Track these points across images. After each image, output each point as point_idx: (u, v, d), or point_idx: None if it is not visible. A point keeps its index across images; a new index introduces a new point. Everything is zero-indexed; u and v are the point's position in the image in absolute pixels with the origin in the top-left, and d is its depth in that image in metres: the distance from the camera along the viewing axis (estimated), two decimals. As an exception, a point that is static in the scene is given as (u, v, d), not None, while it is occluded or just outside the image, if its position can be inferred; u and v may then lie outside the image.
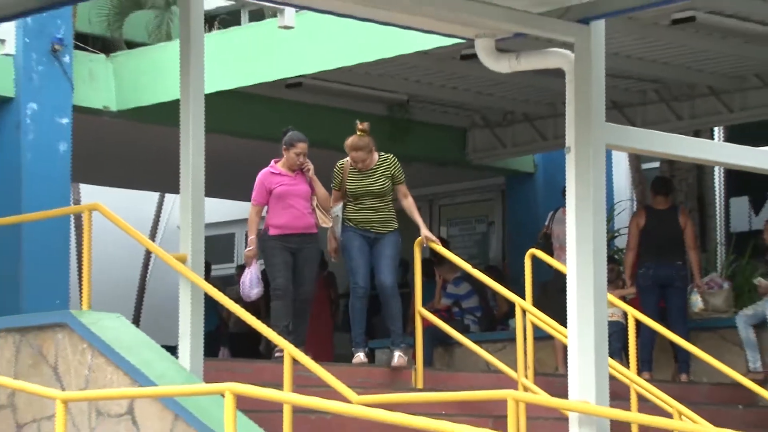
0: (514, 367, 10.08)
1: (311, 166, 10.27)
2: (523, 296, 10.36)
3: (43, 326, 9.04)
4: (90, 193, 17.30)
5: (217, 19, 15.92)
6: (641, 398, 9.64)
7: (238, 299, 10.35)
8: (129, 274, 18.67)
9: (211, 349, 11.76)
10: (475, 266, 11.29)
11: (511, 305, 11.04)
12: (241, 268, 16.81)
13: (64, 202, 12.66)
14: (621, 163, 15.32)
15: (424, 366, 10.40)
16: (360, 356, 10.15)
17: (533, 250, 10.97)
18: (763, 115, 13.22)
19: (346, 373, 9.29)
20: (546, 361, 11.88)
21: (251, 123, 13.82)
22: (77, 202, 16.60)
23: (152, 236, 18.47)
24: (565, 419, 7.66)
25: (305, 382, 8.87)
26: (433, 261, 13.34)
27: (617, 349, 11.17)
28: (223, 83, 12.47)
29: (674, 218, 12.19)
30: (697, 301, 12.20)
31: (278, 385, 8.17)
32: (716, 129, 14.30)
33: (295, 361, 8.31)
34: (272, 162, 10.33)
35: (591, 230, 7.24)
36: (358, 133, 10.20)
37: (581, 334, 7.23)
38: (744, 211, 15.02)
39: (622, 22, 10.44)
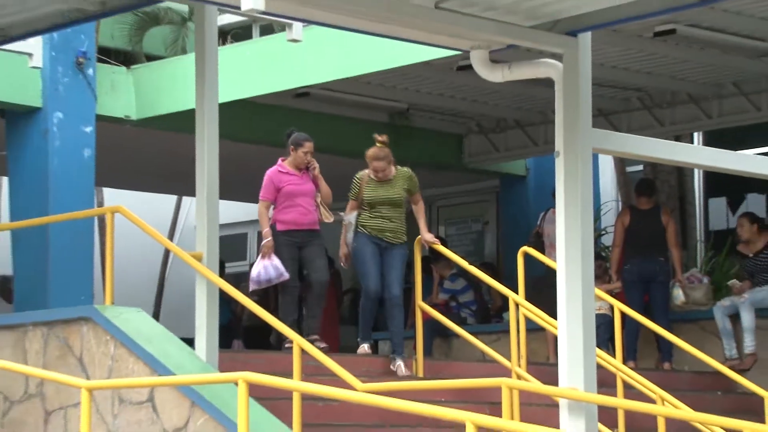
0: (508, 357, 10.08)
1: (317, 165, 10.23)
2: (516, 291, 10.36)
3: (69, 320, 9.05)
4: (112, 196, 17.30)
5: (229, 34, 15.89)
6: (627, 385, 9.64)
7: (250, 293, 10.32)
8: (149, 272, 18.66)
9: (224, 341, 11.73)
10: (471, 263, 11.29)
11: (505, 299, 11.03)
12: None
13: (89, 205, 12.66)
14: (607, 166, 15.31)
15: (424, 356, 10.41)
16: (365, 347, 10.15)
17: (525, 248, 10.98)
18: (739, 121, 13.21)
19: (351, 362, 9.29)
20: (538, 351, 11.88)
21: (262, 130, 13.82)
22: (100, 204, 16.59)
23: (170, 236, 18.46)
24: (556, 405, 7.65)
25: (313, 372, 8.88)
26: (430, 258, 13.33)
27: (604, 339, 11.17)
28: (235, 93, 12.46)
29: (657, 217, 12.19)
30: (678, 295, 12.20)
31: (288, 375, 8.17)
32: (695, 134, 14.29)
33: (303, 352, 8.32)
34: (279, 161, 10.29)
35: (579, 229, 7.24)
36: (378, 144, 10.14)
37: (570, 325, 7.23)
38: (722, 210, 15.01)
39: (608, 35, 10.44)
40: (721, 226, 14.89)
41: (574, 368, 7.21)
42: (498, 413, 8.14)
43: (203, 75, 9.26)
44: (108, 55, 14.20)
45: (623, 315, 10.68)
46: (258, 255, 10.14)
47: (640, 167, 14.76)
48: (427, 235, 10.34)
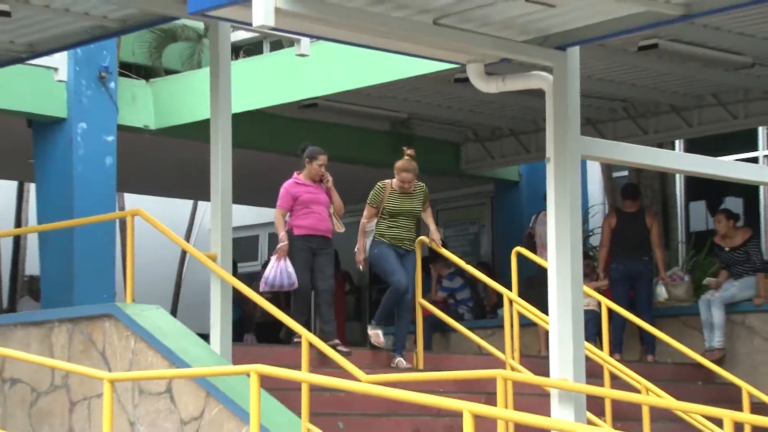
0: (503, 350, 10.07)
1: (330, 178, 10.18)
2: (510, 288, 10.35)
3: (93, 317, 9.04)
4: (133, 200, 17.31)
5: (242, 49, 15.92)
6: (613, 376, 9.63)
7: (272, 299, 10.29)
8: (167, 271, 18.68)
9: (236, 336, 11.72)
10: (468, 263, 11.29)
11: (500, 296, 11.04)
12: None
13: (110, 209, 12.67)
14: (594, 172, 15.30)
15: (424, 349, 10.41)
16: (378, 334, 9.99)
17: (518, 248, 10.96)
18: (718, 129, 13.20)
19: (356, 356, 9.29)
20: (530, 344, 11.87)
21: (272, 139, 13.83)
22: (121, 208, 16.60)
23: (187, 238, 18.47)
24: (547, 395, 7.65)
25: (320, 364, 8.87)
26: (429, 258, 13.32)
27: (592, 334, 11.15)
28: (247, 104, 12.46)
29: (642, 220, 12.19)
30: (661, 292, 12.19)
31: (297, 367, 8.17)
32: (677, 142, 14.27)
33: (311, 345, 8.32)
34: (295, 174, 10.20)
35: (569, 230, 7.23)
36: (406, 157, 10.09)
37: (561, 321, 7.23)
38: (702, 213, 15.00)
39: (595, 49, 10.42)
40: (702, 227, 14.88)
41: (564, 360, 7.21)
42: (493, 402, 8.14)
43: (217, 87, 9.27)
44: (129, 69, 14.22)
45: (610, 311, 10.67)
46: (272, 257, 10.06)
47: (626, 173, 14.75)
48: (436, 234, 10.32)
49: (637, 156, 7.99)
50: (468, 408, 6.16)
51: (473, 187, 16.12)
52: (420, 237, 10.38)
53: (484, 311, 13.90)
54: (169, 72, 14.92)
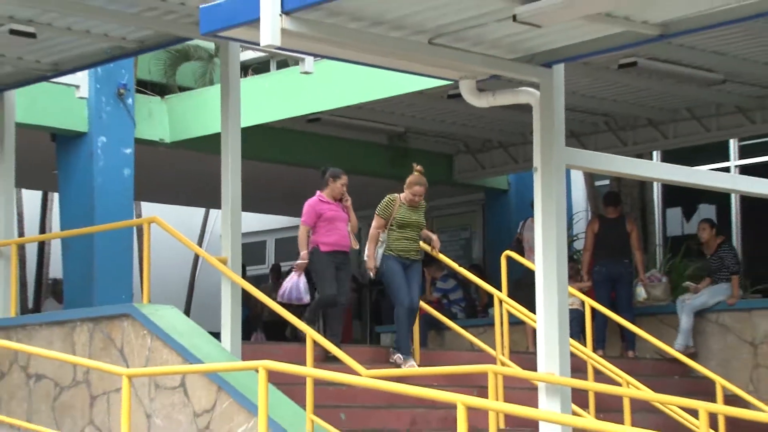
0: (493, 347, 10.06)
1: (349, 198, 10.03)
2: (500, 289, 10.34)
3: (112, 316, 9.02)
4: (149, 208, 17.30)
5: (250, 68, 15.91)
6: (596, 371, 9.61)
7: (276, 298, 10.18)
8: (181, 274, 18.67)
9: (245, 334, 11.72)
10: (460, 265, 11.27)
11: (490, 297, 11.02)
12: (275, 270, 16.85)
13: (128, 216, 12.66)
14: (578, 181, 15.28)
15: (420, 346, 10.37)
16: (412, 363, 9.60)
17: (508, 252, 10.95)
18: (692, 141, 13.20)
19: (358, 352, 9.26)
20: (519, 341, 11.85)
21: (279, 151, 13.83)
22: (138, 216, 16.59)
23: (200, 243, 18.46)
24: (535, 388, 7.63)
25: (324, 360, 8.85)
26: (424, 262, 13.28)
27: (576, 331, 11.11)
28: (256, 119, 12.47)
29: (622, 225, 12.17)
30: (641, 292, 12.17)
31: (302, 363, 8.15)
32: (655, 153, 14.27)
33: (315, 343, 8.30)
34: (318, 193, 9.98)
35: (555, 235, 7.22)
36: (416, 172, 10.01)
37: (547, 319, 7.21)
38: (678, 219, 14.99)
39: (578, 66, 10.43)
40: (678, 232, 14.88)
41: (550, 356, 7.20)
42: (485, 395, 8.13)
43: (227, 103, 9.27)
44: (145, 86, 14.22)
45: (593, 310, 10.65)
46: (293, 271, 9.85)
47: (607, 181, 14.74)
48: (437, 242, 10.17)
49: (617, 166, 7.98)
50: (461, 400, 6.15)
51: (465, 195, 16.11)
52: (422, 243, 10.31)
53: (476, 310, 13.88)
54: (182, 89, 14.92)
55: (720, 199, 14.12)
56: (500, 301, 10.18)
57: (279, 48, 6.31)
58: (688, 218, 14.87)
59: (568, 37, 7.04)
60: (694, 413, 8.51)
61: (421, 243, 10.14)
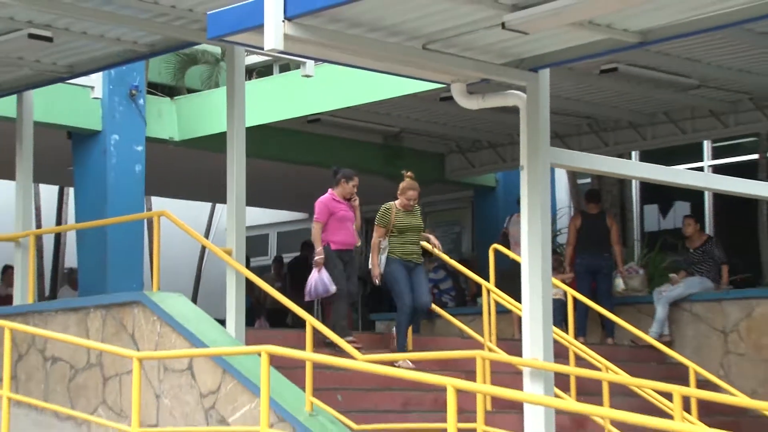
0: (482, 334, 10.06)
1: (357, 198, 9.90)
2: (488, 280, 10.34)
3: (123, 303, 9.02)
4: (159, 203, 17.27)
5: (254, 71, 15.89)
6: (577, 357, 9.61)
7: (282, 289, 10.03)
8: (188, 264, 18.64)
9: (249, 321, 11.72)
10: (451, 258, 11.27)
11: (479, 287, 11.01)
12: (278, 261, 16.84)
13: (139, 210, 12.65)
14: (561, 179, 15.30)
15: (412, 333, 10.36)
16: (409, 362, 9.32)
17: (495, 246, 10.95)
18: (669, 143, 13.22)
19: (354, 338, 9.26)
20: (505, 329, 11.85)
21: (281, 150, 13.81)
22: (149, 209, 16.54)
23: (206, 235, 18.44)
24: (520, 373, 7.64)
25: (322, 345, 8.85)
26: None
27: (559, 320, 11.08)
28: (259, 119, 12.45)
29: (603, 221, 12.17)
30: (619, 283, 12.18)
31: (301, 348, 8.15)
32: (633, 153, 14.29)
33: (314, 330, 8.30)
34: (329, 191, 9.88)
35: (539, 230, 7.22)
36: (407, 178, 9.87)
37: (532, 308, 7.21)
38: (655, 215, 15.01)
39: (563, 71, 10.43)
40: (654, 228, 14.90)
41: (535, 343, 7.20)
42: (473, 379, 8.14)
43: (233, 104, 9.25)
44: (156, 88, 14.20)
45: (575, 300, 10.66)
46: (314, 269, 9.66)
47: (589, 179, 14.75)
48: (436, 241, 10.08)
49: (599, 165, 7.98)
50: (451, 383, 6.15)
51: (456, 192, 16.11)
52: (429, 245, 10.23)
53: (465, 300, 13.89)
54: (190, 91, 14.90)
55: (694, 196, 14.14)
56: (488, 291, 10.18)
57: (282, 52, 6.30)
58: (664, 215, 14.90)
59: (554, 44, 7.04)
60: (668, 396, 8.52)
61: (422, 243, 10.07)
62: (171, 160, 14.06)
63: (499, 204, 15.42)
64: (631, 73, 10.91)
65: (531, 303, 7.19)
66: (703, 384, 9.80)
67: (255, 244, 18.04)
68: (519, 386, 7.56)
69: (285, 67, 15.16)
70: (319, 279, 9.42)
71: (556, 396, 8.24)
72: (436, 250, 10.18)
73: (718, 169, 14.03)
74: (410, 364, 9.25)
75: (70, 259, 16.28)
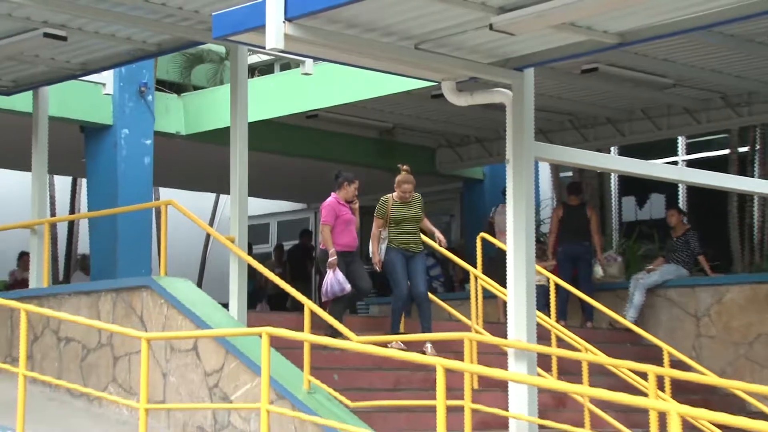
0: (469, 317, 10.07)
1: (358, 201, 9.75)
2: (475, 267, 10.34)
3: (132, 287, 9.01)
4: (166, 193, 17.25)
5: (257, 69, 15.87)
6: (559, 339, 9.63)
7: (282, 275, 9.93)
8: (194, 251, 18.62)
9: (250, 305, 11.73)
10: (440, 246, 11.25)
11: (466, 273, 11.02)
12: (278, 249, 16.83)
13: (148, 200, 12.63)
14: (545, 172, 15.30)
15: (404, 317, 10.37)
16: (400, 343, 9.26)
17: (483, 234, 10.95)
18: (646, 138, 13.21)
19: (349, 321, 9.27)
20: (491, 313, 11.87)
21: (281, 143, 13.79)
22: (157, 199, 16.53)
23: (211, 224, 18.41)
24: (505, 353, 7.64)
25: (319, 327, 8.85)
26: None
27: (542, 304, 11.09)
28: (261, 115, 12.43)
29: (583, 211, 12.18)
30: (598, 270, 12.20)
31: (300, 329, 8.15)
32: (612, 148, 14.29)
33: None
34: (333, 195, 9.67)
35: (524, 220, 7.22)
36: (403, 172, 9.78)
37: (517, 293, 7.22)
38: (632, 206, 15.02)
39: (546, 71, 10.42)
40: (631, 218, 14.91)
41: (519, 325, 7.20)
42: (461, 359, 8.15)
43: (236, 101, 9.23)
44: (163, 85, 14.17)
45: (556, 285, 10.67)
46: (328, 270, 9.35)
47: (570, 173, 14.76)
48: (442, 237, 9.96)
49: (580, 159, 7.97)
50: (440, 363, 6.15)
51: (446, 184, 16.11)
52: (427, 238, 10.17)
53: (454, 286, 13.89)
54: (196, 88, 14.87)
55: (669, 189, 14.16)
56: (475, 278, 10.19)
57: (282, 51, 6.29)
58: (641, 206, 14.91)
59: (538, 45, 7.03)
60: (644, 376, 8.54)
61: (423, 237, 9.99)
62: (178, 153, 14.03)
63: (486, 195, 15.42)
64: (610, 73, 10.91)
65: (516, 288, 7.19)
66: (676, 364, 9.82)
67: (257, 232, 18.01)
68: (504, 366, 7.57)
69: (285, 66, 15.14)
70: (334, 279, 9.27)
71: (539, 375, 8.25)
72: (441, 248, 10.11)
73: (691, 164, 14.04)
74: (402, 345, 9.25)
75: (83, 246, 16.24)
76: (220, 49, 14.84)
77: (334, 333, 8.37)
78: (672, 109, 12.68)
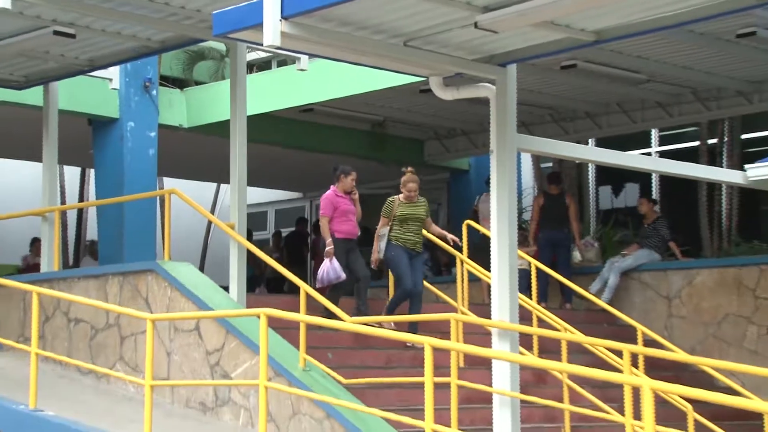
0: (455, 299, 10.08)
1: (357, 192, 9.68)
2: (461, 252, 10.34)
3: (138, 271, 8.99)
4: (170, 182, 17.20)
5: (255, 66, 15.82)
6: (539, 319, 9.65)
7: (279, 259, 9.93)
8: (196, 237, 18.60)
9: (250, 288, 11.72)
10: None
11: (453, 258, 11.02)
12: (276, 235, 16.82)
13: (152, 189, 12.60)
14: (526, 162, 15.30)
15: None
16: (392, 324, 9.27)
17: (468, 221, 10.95)
18: (621, 131, 13.21)
19: (343, 303, 9.26)
20: (476, 295, 11.87)
21: (278, 136, 13.76)
22: (161, 188, 16.49)
23: (212, 211, 18.37)
24: (489, 333, 7.65)
25: (314, 309, 8.85)
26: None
27: (524, 287, 11.10)
28: (259, 108, 12.40)
29: (563, 200, 12.19)
30: (577, 255, 12.20)
31: (296, 311, 8.15)
32: (590, 140, 14.30)
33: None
34: (332, 188, 9.61)
35: (507, 207, 7.21)
36: (408, 173, 9.63)
37: (500, 277, 7.22)
38: (608, 195, 15.03)
39: (528, 67, 10.41)
40: (608, 206, 14.92)
41: (502, 307, 7.20)
42: (447, 338, 8.15)
43: (236, 95, 9.21)
44: (167, 80, 14.12)
45: (537, 269, 10.68)
46: (325, 258, 9.35)
47: (551, 163, 14.76)
48: (450, 236, 9.90)
49: (560, 150, 7.98)
50: (429, 342, 6.16)
51: (433, 174, 16.09)
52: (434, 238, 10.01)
53: (441, 269, 13.89)
54: (198, 83, 14.82)
55: (643, 178, 14.17)
56: (461, 262, 10.19)
57: (279, 48, 6.26)
58: (616, 194, 14.93)
59: (520, 42, 7.01)
60: (618, 354, 8.58)
61: (428, 235, 9.91)
62: (181, 144, 14.00)
63: (471, 185, 15.41)
64: (588, 69, 10.90)
65: (499, 272, 7.19)
66: (649, 343, 9.85)
67: (255, 220, 17.98)
68: (488, 345, 7.58)
69: (282, 63, 15.09)
70: (330, 267, 9.23)
71: (521, 353, 8.27)
72: (449, 246, 10.03)
73: (664, 155, 14.05)
74: (393, 325, 9.25)
75: (91, 232, 16.20)
76: (221, 46, 14.79)
77: (329, 315, 8.35)
78: (645, 104, 12.68)
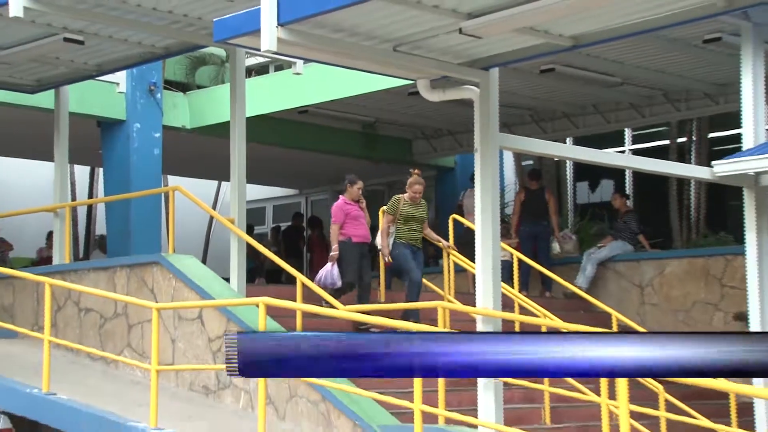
0: (443, 289, 10.07)
1: (364, 200, 9.62)
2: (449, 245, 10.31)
3: (144, 263, 8.97)
4: (173, 180, 17.15)
5: (253, 70, 15.76)
6: (521, 307, 9.66)
7: (277, 252, 9.91)
8: (199, 231, 18.56)
9: (249, 279, 11.69)
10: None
11: (440, 250, 11.02)
12: (275, 229, 16.79)
13: (157, 186, 12.57)
14: (508, 160, 15.30)
15: (385, 289, 10.37)
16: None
17: (454, 216, 10.94)
18: (596, 131, 13.23)
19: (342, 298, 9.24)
20: (462, 285, 11.87)
21: (275, 136, 13.74)
22: (165, 186, 16.45)
23: (213, 207, 18.33)
24: (474, 320, 7.66)
25: (310, 298, 8.84)
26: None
27: (506, 277, 11.11)
28: (257, 110, 12.37)
29: (542, 195, 12.19)
30: (556, 247, 12.21)
31: (293, 300, 8.13)
32: (568, 139, 14.30)
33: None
34: (341, 197, 9.58)
35: (490, 202, 7.22)
36: (414, 175, 9.65)
37: (484, 267, 7.22)
38: (585, 190, 15.05)
39: (509, 71, 10.40)
40: (585, 200, 14.93)
41: (486, 296, 7.21)
42: (435, 325, 8.15)
43: (235, 98, 9.18)
44: (171, 84, 14.06)
45: (519, 260, 10.69)
46: (329, 262, 9.31)
47: (531, 161, 14.77)
48: (445, 242, 9.93)
49: (539, 148, 7.98)
50: (417, 328, 6.14)
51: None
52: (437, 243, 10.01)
53: (428, 261, 13.87)
54: (200, 86, 14.77)
55: (617, 175, 14.19)
56: (447, 254, 10.18)
57: (275, 53, 6.25)
58: (593, 190, 14.94)
59: (502, 47, 7.01)
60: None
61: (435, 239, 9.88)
62: (184, 144, 13.96)
63: (457, 181, 15.41)
64: (566, 73, 10.90)
65: (483, 263, 7.20)
66: (623, 328, 9.87)
67: (254, 215, 17.95)
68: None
69: (279, 67, 15.04)
70: (329, 272, 9.15)
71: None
72: (450, 250, 10.01)
73: (636, 152, 14.08)
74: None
75: (100, 227, 16.16)
76: (221, 52, 14.73)
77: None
78: (619, 105, 12.69)
